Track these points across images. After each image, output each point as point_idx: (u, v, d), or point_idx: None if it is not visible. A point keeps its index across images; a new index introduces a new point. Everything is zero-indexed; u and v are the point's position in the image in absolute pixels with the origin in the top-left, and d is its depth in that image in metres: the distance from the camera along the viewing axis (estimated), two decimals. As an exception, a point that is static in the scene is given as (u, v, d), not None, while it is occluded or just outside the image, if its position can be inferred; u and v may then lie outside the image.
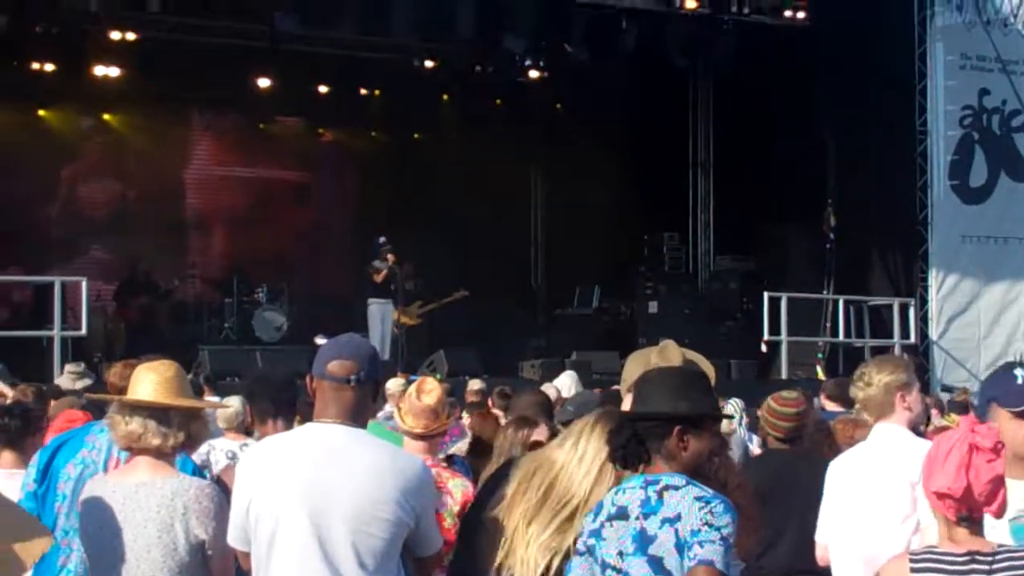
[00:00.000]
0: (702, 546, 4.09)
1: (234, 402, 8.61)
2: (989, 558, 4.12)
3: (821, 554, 6.55)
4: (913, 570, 4.15)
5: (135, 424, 4.90)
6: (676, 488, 4.23)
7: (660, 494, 4.23)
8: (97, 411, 7.28)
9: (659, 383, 4.49)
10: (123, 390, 5.32)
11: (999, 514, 4.17)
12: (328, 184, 24.46)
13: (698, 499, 4.18)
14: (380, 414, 10.22)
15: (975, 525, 4.18)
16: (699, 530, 4.11)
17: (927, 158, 20.98)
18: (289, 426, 6.24)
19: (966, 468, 4.12)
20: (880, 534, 5.89)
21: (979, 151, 21.30)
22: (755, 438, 10.19)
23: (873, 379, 6.14)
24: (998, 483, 4.12)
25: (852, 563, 6.16)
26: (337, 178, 24.61)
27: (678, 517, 4.16)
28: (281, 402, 6.75)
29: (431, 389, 6.30)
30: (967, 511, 4.15)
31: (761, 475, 7.82)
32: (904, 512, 5.85)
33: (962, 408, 13.20)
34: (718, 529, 4.12)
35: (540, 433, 5.41)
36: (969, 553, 4.14)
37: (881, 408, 6.13)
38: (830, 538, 6.41)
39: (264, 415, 6.80)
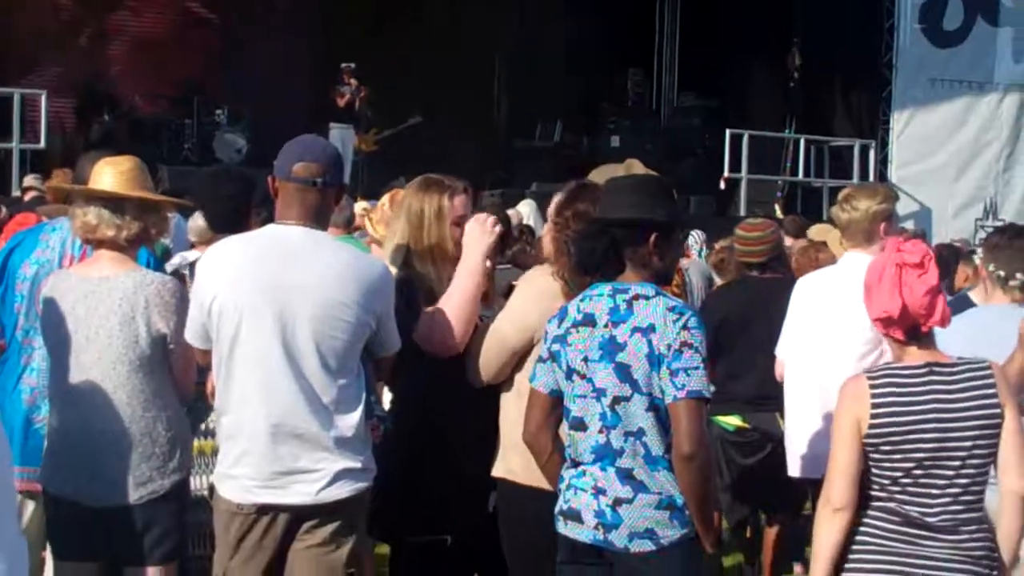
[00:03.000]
0: (688, 375, 4.10)
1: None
2: (948, 369, 4.21)
3: (779, 369, 6.62)
4: (871, 386, 4.21)
5: (91, 215, 4.88)
6: (647, 298, 4.23)
7: (630, 303, 4.23)
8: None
9: (632, 190, 4.43)
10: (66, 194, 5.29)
11: (944, 323, 4.23)
12: (291, 7, 24.08)
13: (671, 310, 4.18)
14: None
15: (926, 339, 4.26)
16: (680, 352, 4.10)
17: (895, 0, 20.89)
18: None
19: (899, 288, 4.18)
20: (838, 362, 5.89)
21: (956, -6, 21.22)
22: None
23: (861, 204, 6.07)
24: (933, 294, 4.18)
25: (805, 384, 6.23)
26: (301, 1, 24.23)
27: (651, 328, 4.15)
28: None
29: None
30: (912, 327, 4.22)
31: (732, 302, 7.85)
32: (866, 341, 5.86)
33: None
34: (698, 351, 4.12)
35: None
36: (927, 364, 4.23)
37: (863, 234, 6.07)
38: (788, 355, 6.47)
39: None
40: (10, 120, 16.50)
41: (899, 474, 4.20)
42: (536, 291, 4.73)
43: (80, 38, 22.19)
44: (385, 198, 6.54)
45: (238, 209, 5.77)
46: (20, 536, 2.77)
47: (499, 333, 4.75)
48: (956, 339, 4.47)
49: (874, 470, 4.25)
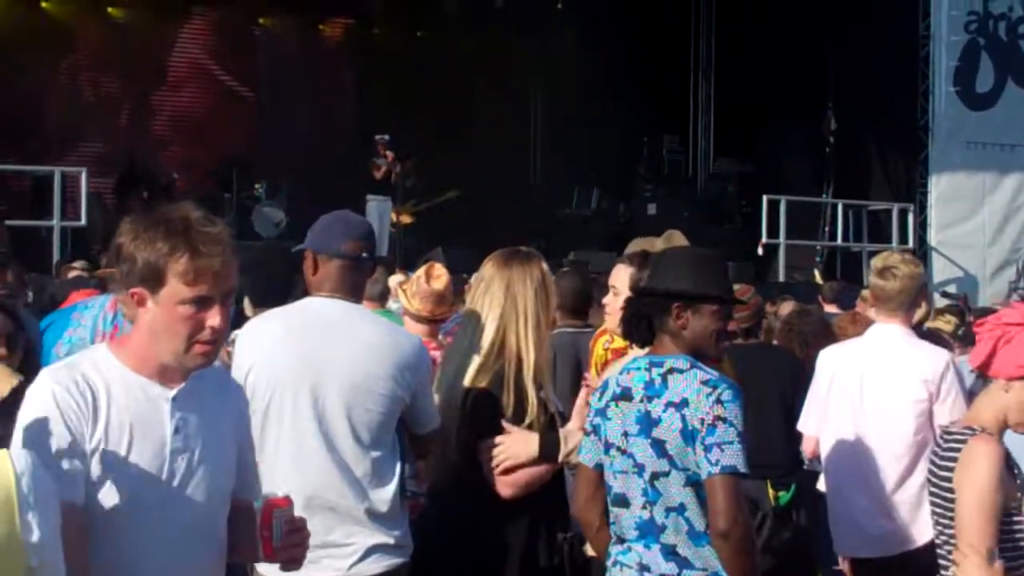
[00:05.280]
0: (722, 450, 4.05)
1: None
2: (946, 435, 4.25)
3: (808, 446, 6.51)
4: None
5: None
6: (681, 371, 4.20)
7: (664, 377, 4.21)
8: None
9: (670, 261, 4.48)
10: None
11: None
12: (328, 81, 24.31)
13: (704, 383, 4.14)
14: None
15: (986, 391, 4.26)
16: (714, 427, 4.06)
17: (929, 63, 20.86)
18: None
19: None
20: (889, 441, 5.83)
21: (985, 57, 21.14)
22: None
23: (903, 271, 5.90)
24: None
25: (848, 463, 6.06)
26: (337, 75, 24.46)
27: (685, 403, 4.12)
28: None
29: (440, 275, 6.43)
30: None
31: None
32: (918, 414, 5.77)
33: (961, 314, 13.18)
34: (732, 425, 4.07)
35: None
36: (944, 427, 4.40)
37: (906, 303, 5.91)
38: (821, 431, 6.28)
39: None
40: (51, 198, 16.60)
41: None
42: None
43: (120, 115, 22.43)
44: (421, 271, 6.55)
45: (286, 283, 5.81)
46: None
47: None
48: None
49: None
